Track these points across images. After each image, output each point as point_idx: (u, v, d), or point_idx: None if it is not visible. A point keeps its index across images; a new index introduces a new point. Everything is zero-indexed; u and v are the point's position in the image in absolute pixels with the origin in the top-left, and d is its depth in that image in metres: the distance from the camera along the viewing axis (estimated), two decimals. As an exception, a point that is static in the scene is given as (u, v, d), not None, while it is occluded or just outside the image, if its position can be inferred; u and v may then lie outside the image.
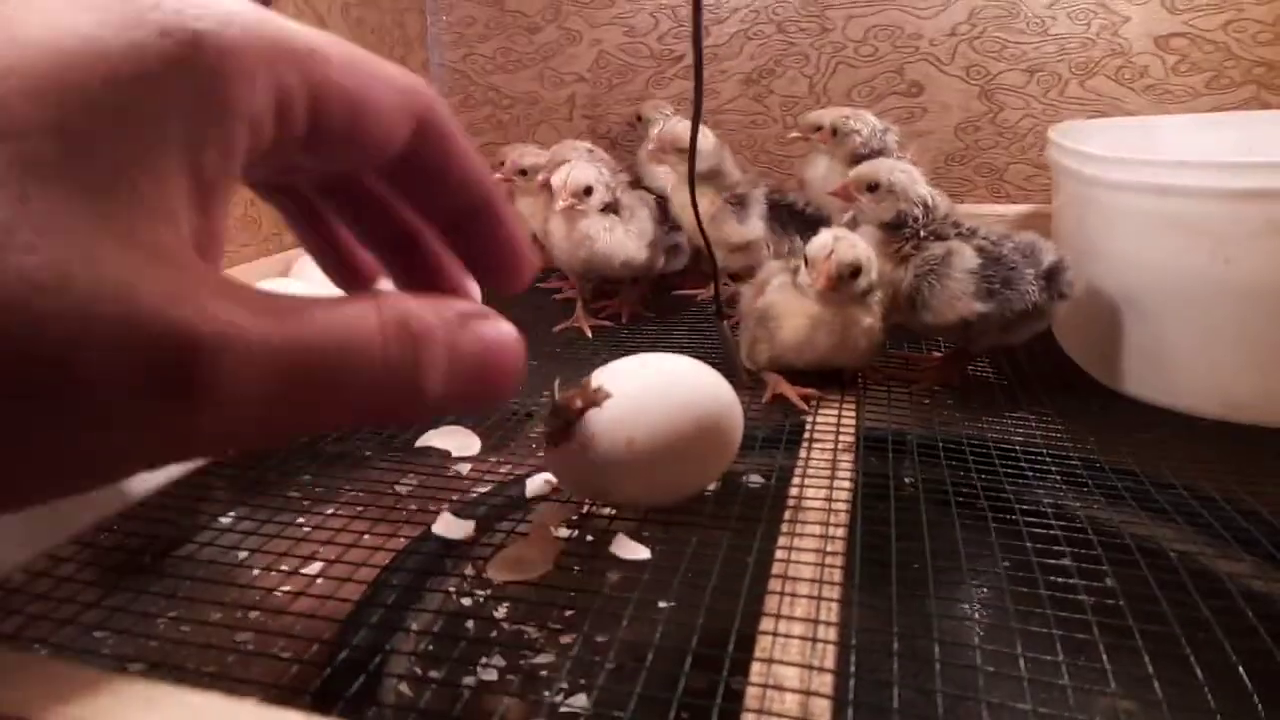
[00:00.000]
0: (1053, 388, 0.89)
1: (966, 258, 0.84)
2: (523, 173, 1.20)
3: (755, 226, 1.10)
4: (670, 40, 1.47)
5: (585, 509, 0.67)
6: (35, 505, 0.20)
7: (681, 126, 1.06)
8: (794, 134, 1.21)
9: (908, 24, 1.34)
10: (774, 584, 0.54)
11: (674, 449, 0.58)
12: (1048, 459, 0.71)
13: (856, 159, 1.08)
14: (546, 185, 1.12)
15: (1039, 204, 1.30)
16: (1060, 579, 0.53)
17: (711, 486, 0.66)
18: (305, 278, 1.07)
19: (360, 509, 0.69)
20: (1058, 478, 0.68)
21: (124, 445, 0.20)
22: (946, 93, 1.35)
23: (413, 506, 0.69)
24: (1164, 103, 1.26)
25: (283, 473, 0.76)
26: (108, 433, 0.19)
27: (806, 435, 0.78)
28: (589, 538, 0.64)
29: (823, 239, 0.83)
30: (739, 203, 1.10)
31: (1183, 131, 1.11)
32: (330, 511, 0.69)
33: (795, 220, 1.11)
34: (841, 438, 0.76)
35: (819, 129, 1.15)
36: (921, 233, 0.87)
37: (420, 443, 0.81)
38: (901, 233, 0.88)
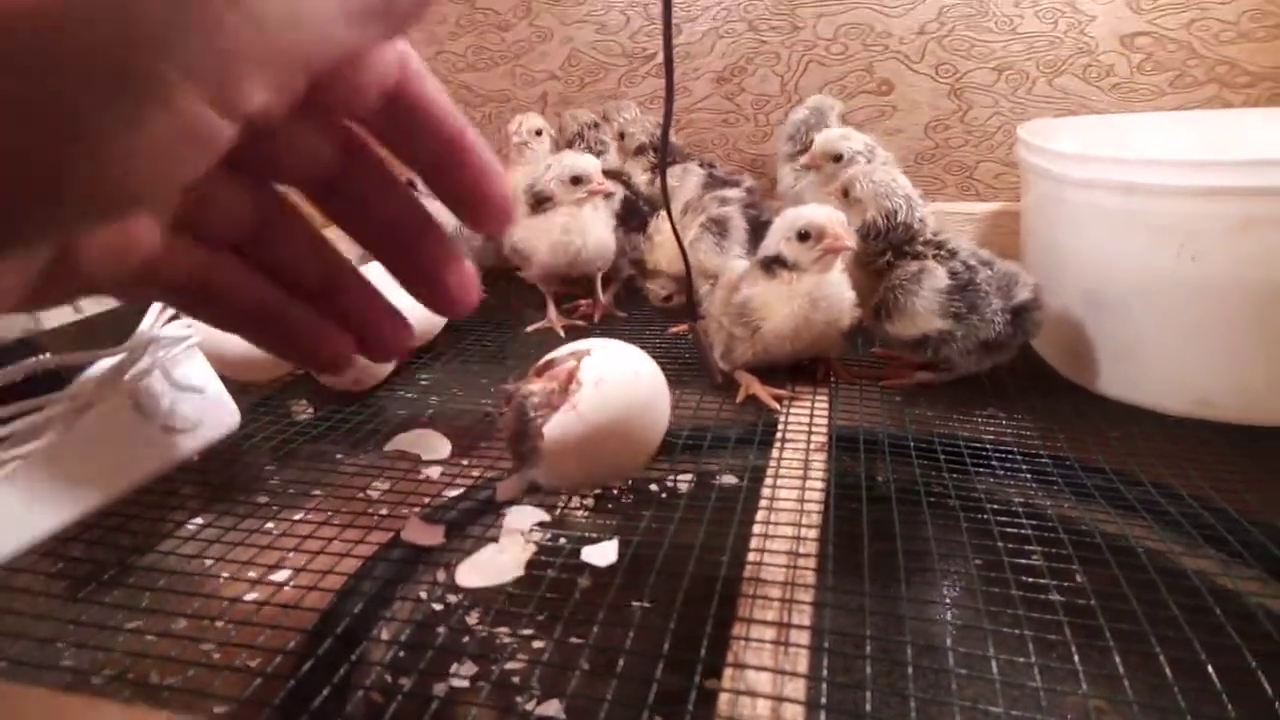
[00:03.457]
0: (1023, 385, 0.89)
1: (938, 277, 0.85)
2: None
3: (734, 258, 1.07)
4: (642, 38, 1.46)
5: (558, 509, 0.67)
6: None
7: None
8: (804, 162, 1.18)
9: (877, 22, 1.34)
10: (746, 586, 0.53)
11: (615, 433, 0.61)
12: (1018, 457, 0.72)
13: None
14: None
15: (1007, 202, 1.31)
16: (1031, 578, 0.53)
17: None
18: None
19: (329, 514, 0.68)
20: (1028, 476, 0.69)
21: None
22: (916, 91, 1.36)
23: (383, 511, 0.68)
24: (1130, 101, 1.27)
25: (251, 476, 0.74)
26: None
27: (779, 435, 0.78)
28: (561, 540, 0.63)
29: (808, 212, 0.84)
30: (720, 231, 1.07)
31: (1148, 129, 1.12)
32: (298, 517, 0.68)
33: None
34: (814, 437, 0.76)
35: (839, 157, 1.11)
36: (892, 243, 0.88)
37: (390, 446, 0.80)
38: (875, 243, 0.88)
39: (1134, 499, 0.64)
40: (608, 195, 1.12)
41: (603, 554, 0.60)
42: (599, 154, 1.26)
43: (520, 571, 0.59)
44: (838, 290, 0.86)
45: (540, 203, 1.09)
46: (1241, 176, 0.74)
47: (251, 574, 0.60)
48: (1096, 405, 0.86)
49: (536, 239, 1.10)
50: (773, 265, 0.85)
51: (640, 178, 1.27)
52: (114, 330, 0.67)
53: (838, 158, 1.09)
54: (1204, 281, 0.78)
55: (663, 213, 0.95)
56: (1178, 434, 0.79)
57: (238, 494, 0.72)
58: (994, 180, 1.36)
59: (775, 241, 0.86)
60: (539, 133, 1.29)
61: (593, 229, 1.11)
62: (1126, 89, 1.27)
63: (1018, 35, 1.29)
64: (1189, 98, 1.25)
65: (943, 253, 0.87)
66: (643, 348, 0.69)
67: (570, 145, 1.33)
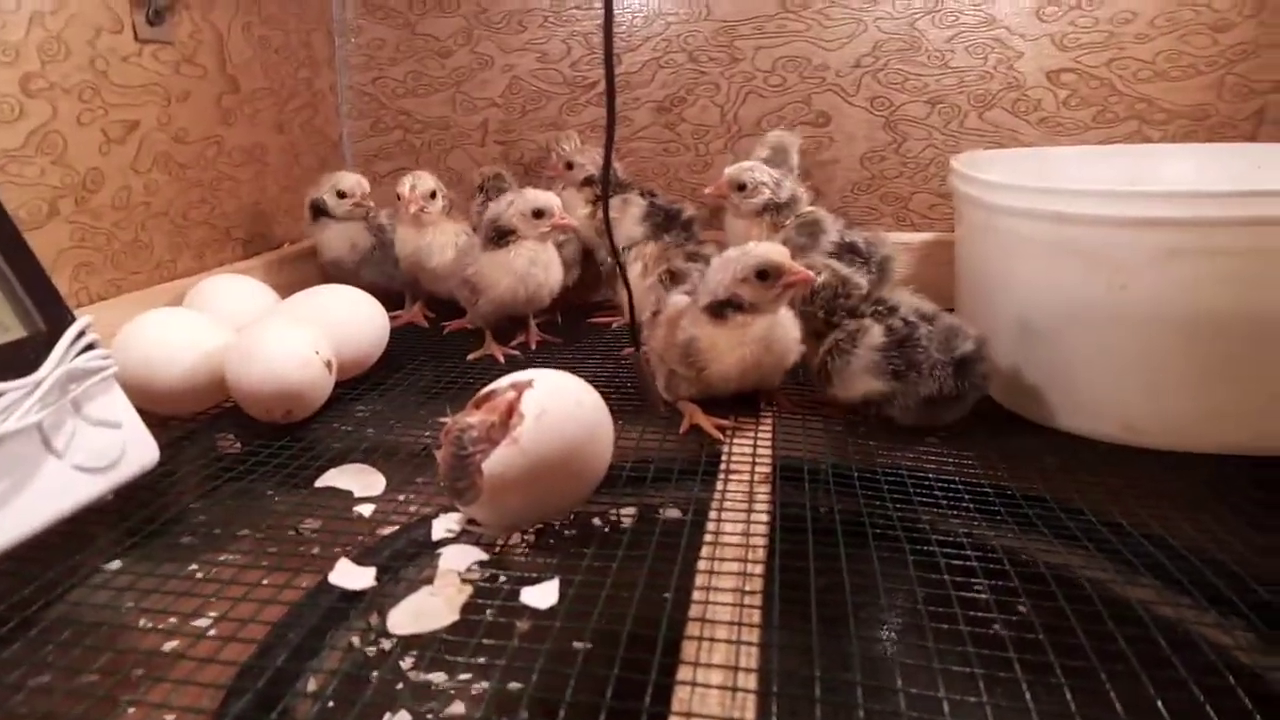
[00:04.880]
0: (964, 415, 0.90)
1: (873, 335, 0.85)
2: (569, 166, 1.31)
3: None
4: (583, 67, 1.46)
5: (495, 550, 0.64)
6: None
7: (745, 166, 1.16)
8: (708, 190, 1.21)
9: (815, 55, 1.36)
10: (692, 628, 0.52)
11: (558, 467, 0.61)
12: (960, 487, 0.72)
13: (765, 210, 1.15)
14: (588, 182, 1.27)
15: (942, 232, 1.33)
16: (978, 613, 0.53)
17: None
18: (201, 306, 1.01)
19: (255, 555, 0.65)
20: (971, 506, 0.69)
21: None
22: (852, 123, 1.38)
23: (313, 551, 0.65)
24: (1056, 134, 1.31)
25: (172, 516, 0.71)
26: None
27: (723, 466, 0.77)
28: (501, 579, 0.61)
29: (761, 251, 0.82)
30: (673, 279, 1.06)
31: (1074, 162, 1.15)
32: (222, 559, 0.65)
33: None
34: (758, 469, 0.75)
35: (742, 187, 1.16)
36: (835, 310, 0.89)
37: (321, 482, 0.77)
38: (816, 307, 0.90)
39: (1075, 528, 0.65)
40: (567, 230, 1.13)
41: (543, 595, 0.58)
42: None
43: (455, 616, 0.56)
44: (788, 331, 0.85)
45: (502, 236, 1.09)
46: (1167, 208, 0.77)
47: (171, 621, 0.56)
48: (1033, 432, 0.87)
49: (496, 272, 1.10)
50: (723, 309, 0.83)
51: (582, 211, 1.26)
52: (22, 359, 0.63)
53: (741, 187, 1.15)
54: (1132, 310, 0.80)
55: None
56: (1111, 461, 0.80)
57: (156, 535, 0.68)
58: (928, 210, 1.39)
59: (724, 284, 0.83)
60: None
61: (554, 263, 1.13)
62: (1053, 123, 1.31)
63: (950, 70, 1.32)
64: (1112, 132, 1.29)
65: (882, 309, 0.87)
66: (581, 377, 0.68)
67: (472, 197, 1.35)
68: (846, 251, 1.07)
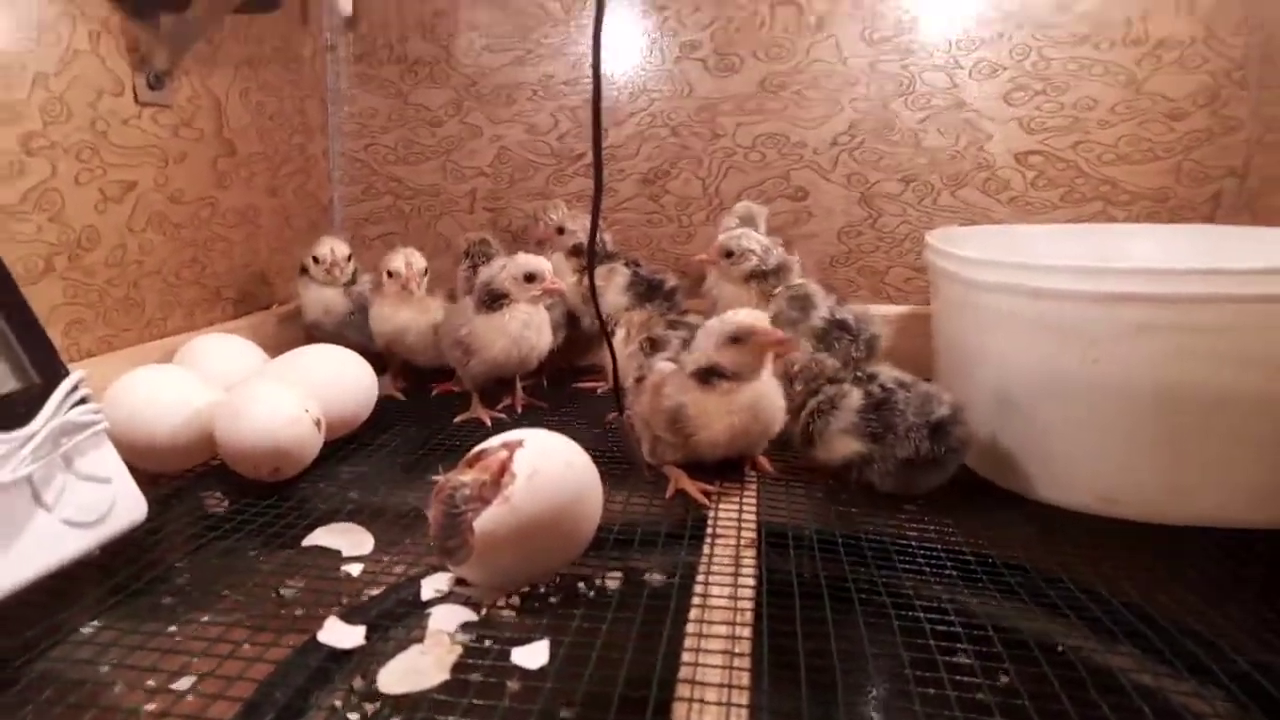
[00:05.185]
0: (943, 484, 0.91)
1: (853, 398, 0.88)
2: (560, 231, 1.34)
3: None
4: (570, 139, 1.50)
5: (484, 611, 0.65)
6: None
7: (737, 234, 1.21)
8: (700, 257, 1.26)
9: (793, 133, 1.42)
10: (682, 689, 0.52)
11: (548, 527, 0.62)
12: (942, 554, 0.73)
13: (752, 277, 1.19)
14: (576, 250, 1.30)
15: (918, 305, 1.37)
16: (965, 678, 0.53)
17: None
18: (191, 364, 1.02)
19: (240, 615, 0.65)
20: (953, 573, 0.70)
21: None
22: (830, 198, 1.43)
23: (298, 611, 0.65)
24: (1026, 213, 1.37)
25: (157, 574, 0.70)
26: None
27: (709, 531, 0.78)
28: (488, 642, 0.61)
29: (735, 317, 0.85)
30: (653, 346, 1.08)
31: (1044, 240, 1.20)
32: (207, 618, 0.64)
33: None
34: (744, 533, 0.76)
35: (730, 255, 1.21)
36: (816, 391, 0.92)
37: (308, 541, 0.76)
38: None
39: (1055, 596, 0.66)
40: (556, 294, 1.15)
41: (533, 655, 0.58)
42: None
43: (445, 675, 0.56)
44: (774, 399, 0.88)
45: (495, 300, 1.11)
46: (1138, 284, 0.80)
47: (151, 682, 0.56)
48: (1013, 502, 0.89)
49: (490, 334, 1.11)
50: (709, 376, 0.85)
51: (570, 278, 1.29)
52: (14, 412, 0.63)
53: (728, 254, 1.20)
54: (1104, 384, 0.82)
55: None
56: (1089, 531, 0.82)
57: (141, 594, 0.67)
58: (904, 284, 1.43)
59: (708, 350, 0.86)
60: (349, 258, 1.28)
61: (545, 326, 1.16)
62: (1023, 202, 1.36)
63: (923, 149, 1.38)
64: (1079, 212, 1.35)
65: (862, 376, 0.90)
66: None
67: (458, 263, 1.38)
68: (836, 328, 1.09)
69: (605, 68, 1.46)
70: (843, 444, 0.87)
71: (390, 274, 1.22)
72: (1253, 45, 1.24)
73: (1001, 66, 1.33)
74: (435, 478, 0.58)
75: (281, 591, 0.68)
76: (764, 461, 0.94)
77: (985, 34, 1.33)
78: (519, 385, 1.22)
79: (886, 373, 0.90)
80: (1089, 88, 1.31)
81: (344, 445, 1.01)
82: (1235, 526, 0.80)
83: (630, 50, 1.45)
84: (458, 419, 1.14)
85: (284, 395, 0.87)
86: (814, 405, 0.90)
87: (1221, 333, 0.77)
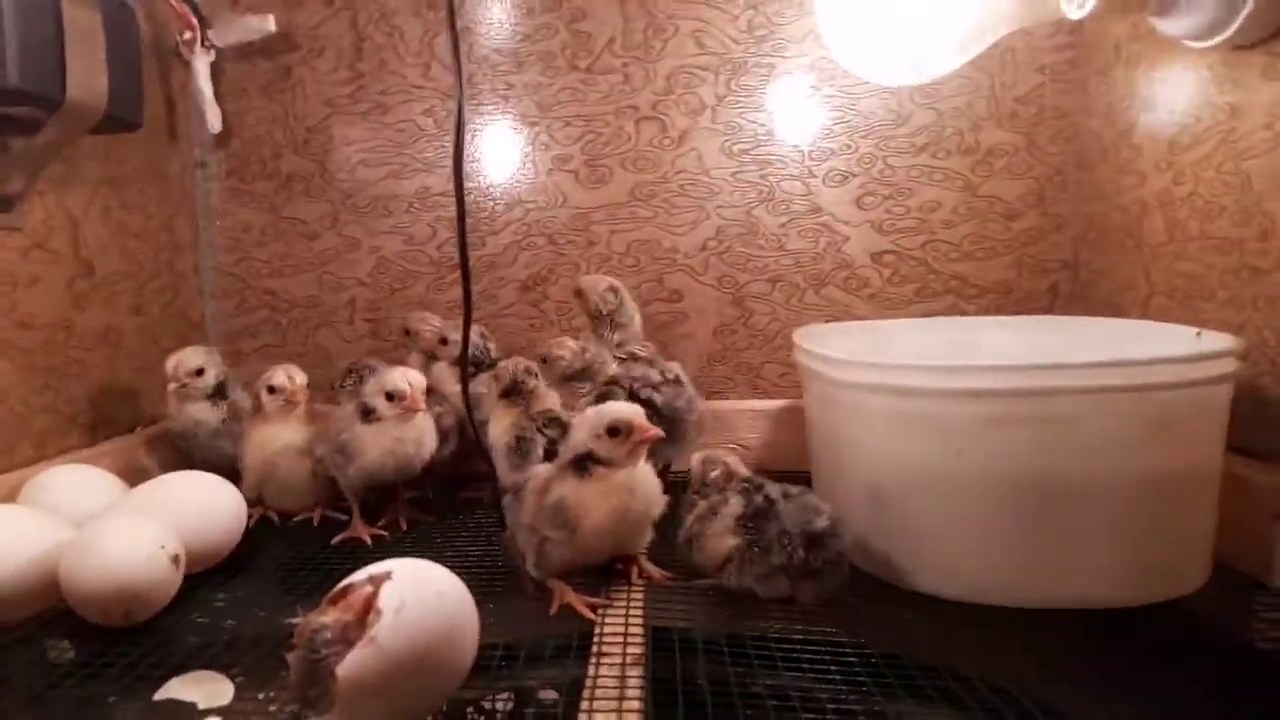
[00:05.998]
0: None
1: (732, 504, 0.90)
2: (444, 341, 1.33)
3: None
4: (449, 248, 1.52)
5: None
6: None
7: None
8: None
9: (664, 239, 1.48)
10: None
11: (420, 665, 0.59)
12: (825, 653, 0.75)
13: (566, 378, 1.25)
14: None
15: (792, 399, 1.42)
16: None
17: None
18: (38, 500, 0.95)
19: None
20: (837, 675, 0.71)
21: None
22: (703, 299, 1.48)
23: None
24: (885, 308, 1.45)
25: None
26: None
27: (595, 644, 0.77)
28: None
29: (612, 410, 0.88)
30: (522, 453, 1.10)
31: (903, 333, 1.27)
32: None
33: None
34: (630, 648, 0.76)
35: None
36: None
37: (161, 694, 0.71)
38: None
39: (928, 687, 0.68)
40: (415, 412, 1.13)
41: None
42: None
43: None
44: (649, 479, 0.90)
45: (367, 414, 1.11)
46: (990, 380, 0.85)
47: None
48: (891, 593, 0.90)
49: (365, 442, 1.10)
50: (585, 463, 0.87)
51: (455, 387, 1.28)
52: None
53: (543, 359, 1.26)
54: (966, 475, 0.86)
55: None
56: (961, 619, 0.84)
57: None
58: (779, 379, 1.48)
59: (583, 440, 0.88)
60: (200, 372, 1.24)
61: (426, 435, 1.14)
62: (882, 298, 1.45)
63: (786, 251, 1.45)
64: (933, 306, 1.44)
65: (749, 487, 0.92)
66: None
67: (342, 380, 1.34)
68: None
69: (481, 180, 1.51)
70: (721, 541, 0.88)
71: (272, 389, 1.19)
72: (1068, 154, 1.38)
73: (851, 174, 1.43)
74: (293, 621, 0.54)
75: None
76: (652, 569, 0.94)
77: (833, 145, 1.43)
78: (404, 497, 1.20)
79: (773, 487, 0.92)
80: (931, 192, 1.42)
81: (211, 575, 0.96)
82: (1099, 607, 0.83)
83: (504, 163, 1.50)
84: (335, 540, 1.10)
85: (136, 531, 0.83)
86: (701, 510, 0.92)
87: (1068, 422, 0.82)
